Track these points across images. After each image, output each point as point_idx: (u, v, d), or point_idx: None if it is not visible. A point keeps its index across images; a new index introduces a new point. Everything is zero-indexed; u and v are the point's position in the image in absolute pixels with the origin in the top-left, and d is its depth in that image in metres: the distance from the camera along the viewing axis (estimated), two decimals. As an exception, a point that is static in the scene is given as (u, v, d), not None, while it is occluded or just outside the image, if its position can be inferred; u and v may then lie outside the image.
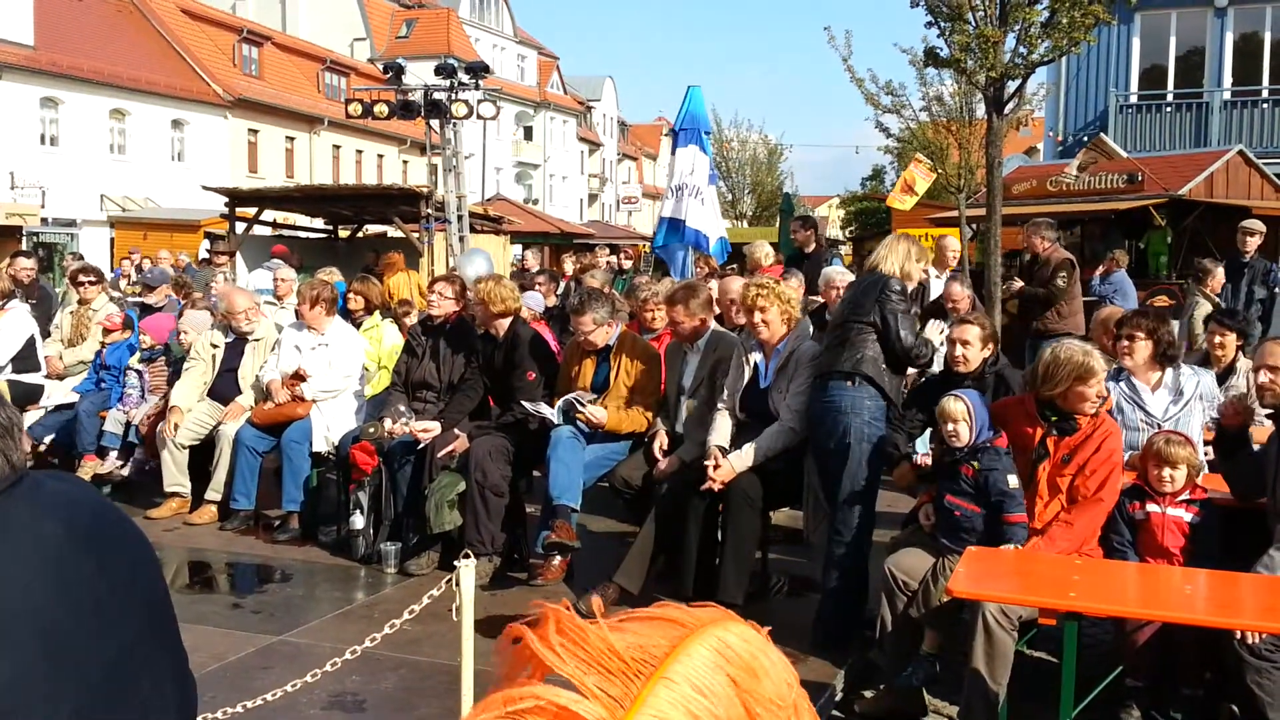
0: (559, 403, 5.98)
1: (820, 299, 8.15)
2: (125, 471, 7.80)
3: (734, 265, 13.47)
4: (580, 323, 6.05)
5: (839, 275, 7.17)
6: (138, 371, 7.93)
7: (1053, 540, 4.25)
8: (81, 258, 18.91)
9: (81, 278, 9.14)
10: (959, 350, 5.20)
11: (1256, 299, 9.95)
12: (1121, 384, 5.16)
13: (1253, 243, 10.06)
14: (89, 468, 7.76)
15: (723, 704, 0.91)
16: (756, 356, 5.51)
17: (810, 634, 5.06)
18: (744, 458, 5.24)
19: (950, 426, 4.47)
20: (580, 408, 5.88)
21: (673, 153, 11.62)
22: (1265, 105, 20.99)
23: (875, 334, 4.98)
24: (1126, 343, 5.19)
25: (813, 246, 10.72)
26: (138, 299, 9.60)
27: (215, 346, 7.54)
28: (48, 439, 8.14)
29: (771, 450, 5.25)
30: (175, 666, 1.26)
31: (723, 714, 0.91)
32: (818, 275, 8.71)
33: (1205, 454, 4.88)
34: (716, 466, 5.22)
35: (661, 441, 5.86)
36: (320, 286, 7.43)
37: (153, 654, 1.22)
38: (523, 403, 6.06)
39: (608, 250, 16.17)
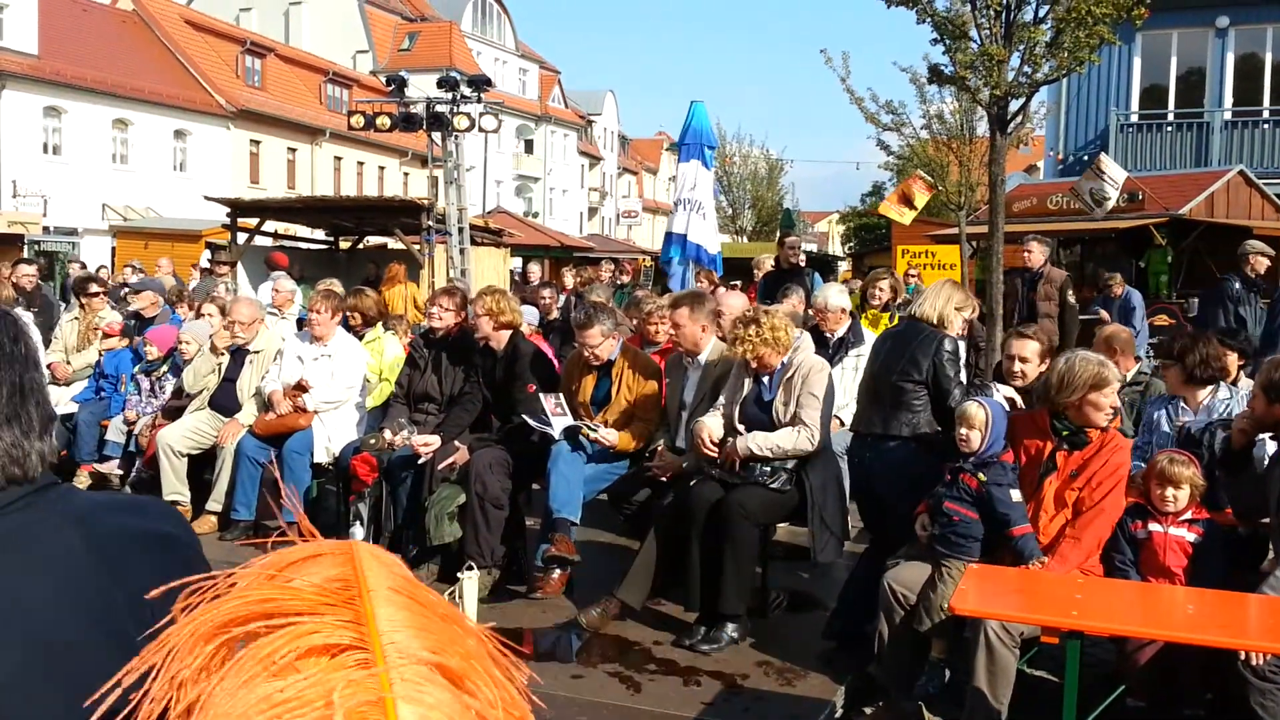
0: (562, 428, 5.95)
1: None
2: (126, 482, 7.79)
3: (737, 282, 13.53)
4: (587, 336, 6.04)
5: (835, 298, 7.11)
6: (138, 381, 7.93)
7: (1064, 559, 4.24)
8: (84, 266, 18.94)
9: (93, 287, 9.19)
10: (1017, 366, 5.19)
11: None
12: (1168, 405, 5.20)
13: (1264, 263, 10.09)
14: (83, 478, 7.75)
15: (409, 603, 1.00)
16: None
17: (824, 630, 5.20)
18: (758, 441, 5.22)
19: (964, 431, 4.48)
20: (592, 431, 5.86)
21: (677, 167, 11.84)
22: (1266, 126, 21.04)
23: (926, 393, 5.00)
24: (1163, 369, 5.21)
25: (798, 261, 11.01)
26: (129, 309, 9.62)
27: (220, 356, 7.54)
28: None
29: (782, 447, 5.21)
30: None
31: (418, 609, 0.99)
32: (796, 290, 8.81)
33: None
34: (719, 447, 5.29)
35: (661, 454, 5.85)
36: (334, 297, 7.47)
37: None
38: (525, 416, 6.04)
39: (613, 265, 16.17)
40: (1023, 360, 5.21)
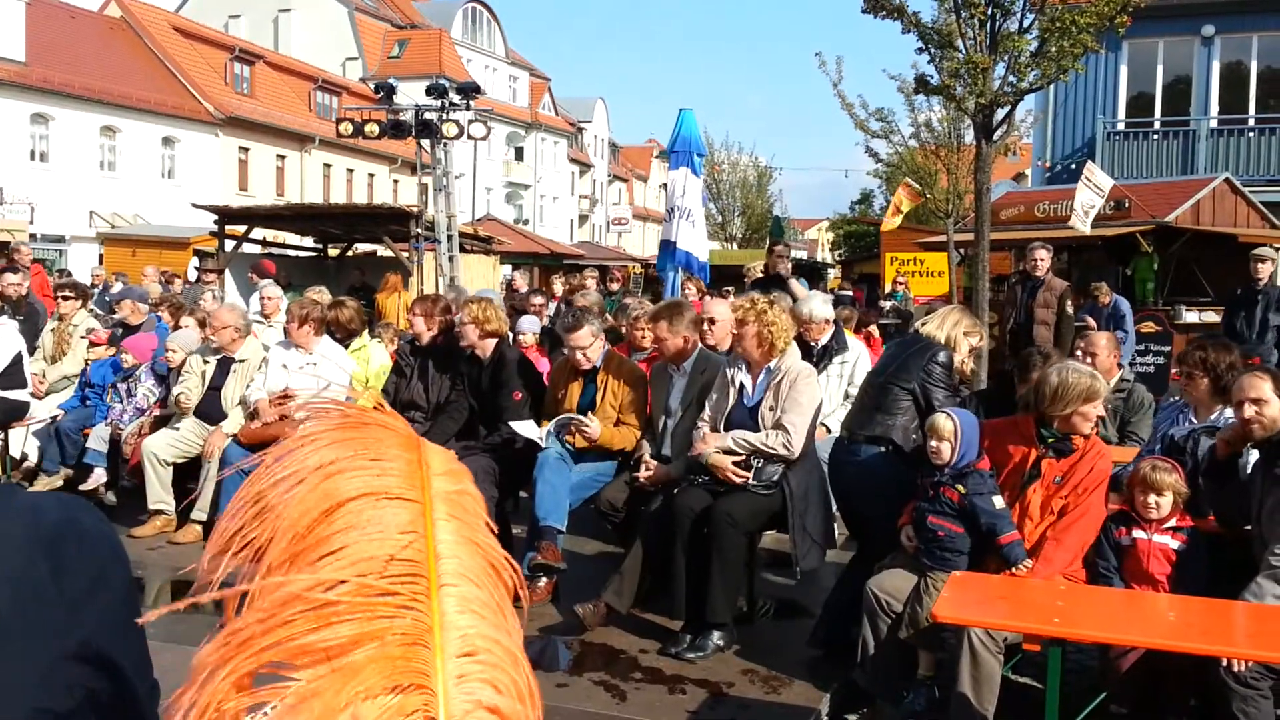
0: (550, 423, 5.97)
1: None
2: (109, 491, 7.75)
3: (729, 288, 13.55)
4: (577, 339, 6.04)
5: (819, 308, 7.11)
6: (119, 391, 7.89)
7: (1049, 562, 4.25)
8: (69, 274, 18.88)
9: (64, 292, 9.11)
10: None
11: (1271, 325, 9.99)
12: (1179, 413, 5.21)
13: (1265, 269, 10.11)
14: (50, 482, 7.72)
15: (479, 595, 0.98)
16: (743, 376, 5.50)
17: (809, 638, 5.21)
18: (735, 438, 5.22)
19: (934, 443, 4.47)
20: (574, 423, 5.88)
21: (667, 175, 11.86)
22: (1251, 134, 21.15)
23: (912, 401, 4.99)
24: (1186, 380, 5.18)
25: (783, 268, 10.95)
26: (114, 317, 9.55)
27: (206, 364, 7.51)
28: (33, 454, 8.10)
29: (756, 447, 5.20)
30: (134, 678, 1.26)
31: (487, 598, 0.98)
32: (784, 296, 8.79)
33: None
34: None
35: (647, 463, 5.85)
36: (309, 306, 7.42)
37: (105, 663, 1.21)
38: (510, 424, 6.04)
39: (596, 273, 16.20)
40: None
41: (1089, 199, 16.02)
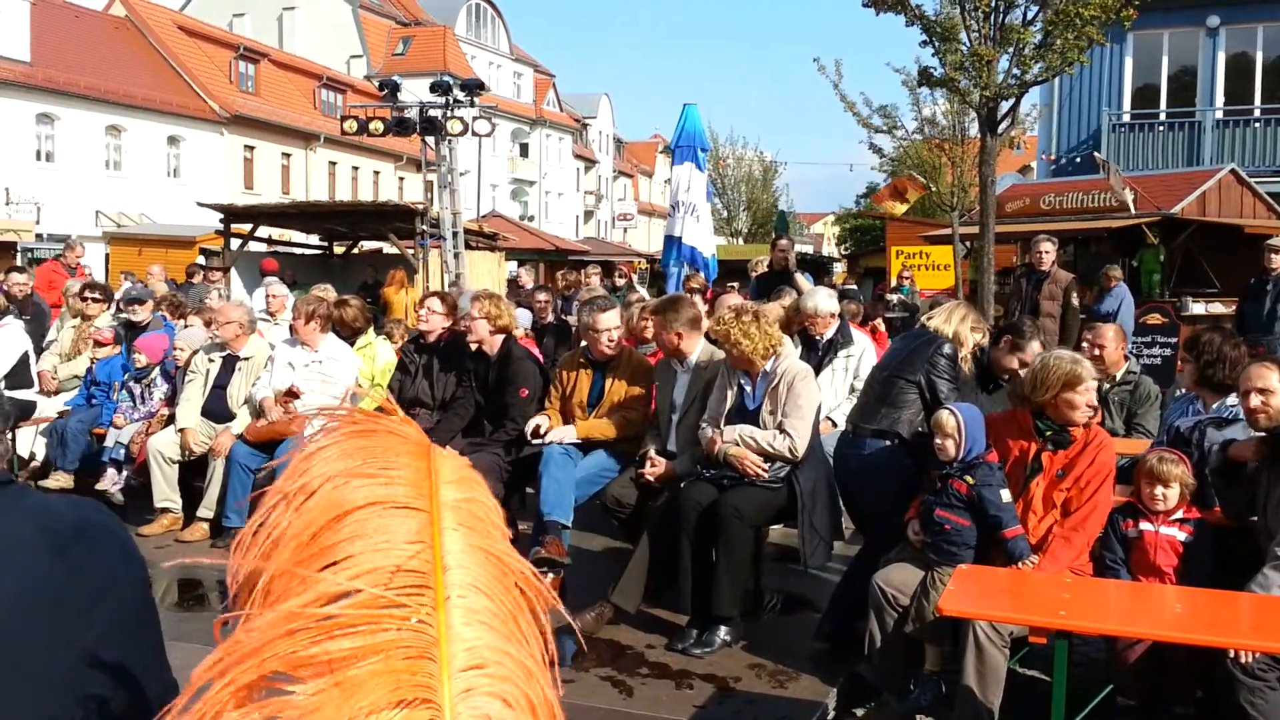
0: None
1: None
2: (119, 489, 7.76)
3: (734, 284, 13.54)
4: (607, 319, 6.04)
5: (824, 303, 7.08)
6: (129, 389, 7.90)
7: (1055, 558, 4.24)
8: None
9: (87, 294, 9.13)
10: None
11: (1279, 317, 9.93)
12: (1190, 405, 5.22)
13: (1278, 260, 10.03)
14: (61, 481, 7.73)
15: (489, 606, 0.96)
16: (742, 378, 5.47)
17: (815, 632, 5.22)
18: (740, 433, 5.22)
19: (939, 440, 4.47)
20: (546, 436, 5.92)
21: (671, 170, 11.83)
22: (1257, 124, 21.09)
23: (918, 393, 4.98)
24: (1180, 365, 5.21)
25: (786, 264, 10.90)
26: (123, 316, 9.58)
27: (211, 361, 7.52)
28: (40, 453, 8.12)
29: (761, 445, 5.20)
30: (146, 680, 1.25)
31: (497, 610, 0.97)
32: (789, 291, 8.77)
33: None
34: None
35: (652, 459, 5.84)
36: (316, 302, 7.42)
37: (116, 665, 1.21)
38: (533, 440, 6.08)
39: (599, 269, 16.17)
40: None
41: (1116, 182, 16.11)
